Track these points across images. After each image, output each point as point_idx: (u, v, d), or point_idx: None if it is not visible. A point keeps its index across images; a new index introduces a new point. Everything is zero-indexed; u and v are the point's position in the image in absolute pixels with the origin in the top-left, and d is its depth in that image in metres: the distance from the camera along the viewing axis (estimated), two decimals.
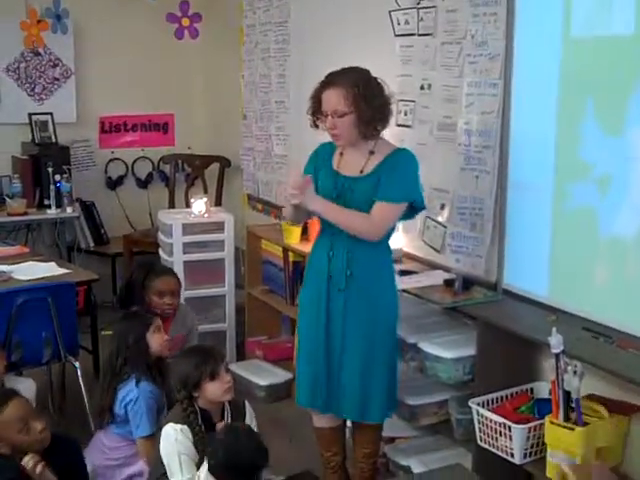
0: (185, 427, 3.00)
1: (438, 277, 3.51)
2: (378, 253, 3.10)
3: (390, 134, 4.02)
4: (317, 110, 3.06)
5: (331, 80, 3.00)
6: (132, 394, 3.30)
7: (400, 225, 3.98)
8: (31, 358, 3.66)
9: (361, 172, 3.04)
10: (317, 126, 3.11)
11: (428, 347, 3.22)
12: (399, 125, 3.97)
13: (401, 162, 3.04)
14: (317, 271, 3.13)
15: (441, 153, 3.66)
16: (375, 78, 3.03)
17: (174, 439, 2.98)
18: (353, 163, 3.08)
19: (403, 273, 3.60)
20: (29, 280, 3.80)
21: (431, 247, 3.75)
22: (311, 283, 3.18)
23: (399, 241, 3.99)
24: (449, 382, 3.20)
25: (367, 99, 2.95)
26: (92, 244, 5.69)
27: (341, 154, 3.12)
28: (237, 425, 2.99)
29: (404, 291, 3.41)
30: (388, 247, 3.16)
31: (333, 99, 2.97)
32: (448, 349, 3.18)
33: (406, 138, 3.90)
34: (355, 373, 3.07)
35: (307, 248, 4.29)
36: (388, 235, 3.11)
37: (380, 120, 3.03)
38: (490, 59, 3.33)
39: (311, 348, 3.15)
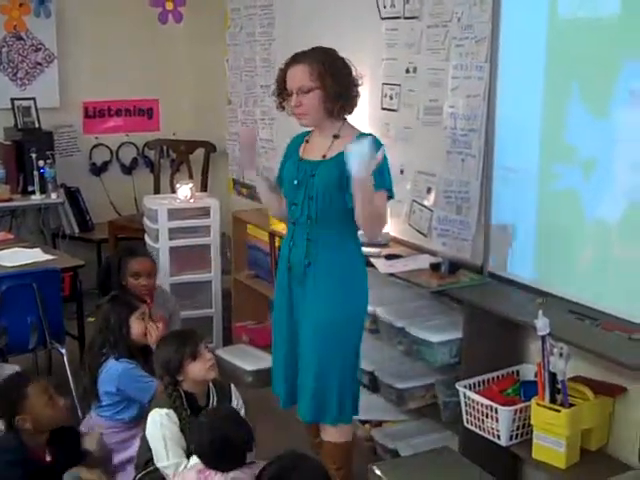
0: (171, 411, 2.99)
1: (425, 261, 3.51)
2: (341, 243, 2.97)
3: (375, 118, 4.03)
4: (282, 91, 3.00)
5: (296, 58, 2.94)
6: (114, 370, 3.29)
7: (388, 209, 4.00)
8: (17, 344, 3.65)
9: (324, 157, 2.96)
10: (283, 107, 3.05)
11: (415, 331, 3.23)
12: (384, 109, 3.97)
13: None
14: (281, 261, 3.11)
15: (427, 136, 3.66)
16: (342, 58, 2.97)
17: (159, 424, 2.98)
18: (317, 148, 3.01)
19: (389, 257, 3.61)
20: (14, 266, 3.78)
21: (417, 231, 3.75)
22: (278, 273, 3.15)
23: (387, 225, 3.99)
24: (436, 365, 3.21)
25: (333, 75, 2.88)
26: (77, 230, 5.64)
27: (307, 141, 3.07)
28: (221, 407, 3.01)
29: (391, 275, 3.41)
30: (354, 237, 3.02)
31: (298, 75, 2.90)
32: (435, 333, 3.19)
33: (391, 122, 3.90)
34: (309, 371, 2.98)
35: None
36: (354, 226, 2.95)
37: (347, 99, 2.94)
38: (476, 42, 3.32)
39: (276, 340, 3.16)
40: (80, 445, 3.10)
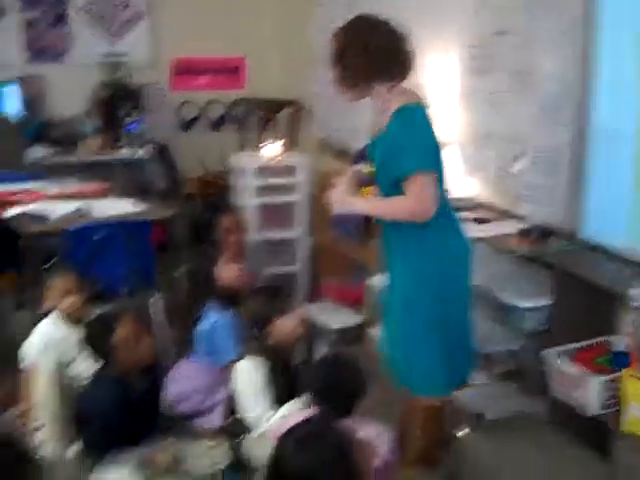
0: (259, 362, 3.06)
1: (513, 226, 3.46)
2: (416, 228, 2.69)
3: (462, 82, 3.97)
4: None
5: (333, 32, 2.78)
6: (214, 322, 3.40)
7: (476, 174, 3.95)
8: (109, 292, 3.73)
9: (376, 133, 2.79)
10: None
11: (504, 296, 3.20)
12: (472, 73, 3.89)
13: (399, 128, 2.65)
14: None
15: (517, 101, 3.58)
16: (377, 24, 2.73)
17: (248, 373, 3.05)
18: (377, 124, 2.83)
19: (477, 221, 3.56)
20: (107, 216, 3.86)
21: (506, 196, 3.69)
22: None
23: (473, 189, 3.95)
24: (524, 331, 3.18)
25: (355, 47, 2.68)
26: (165, 186, 5.74)
27: None
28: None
29: (479, 239, 3.37)
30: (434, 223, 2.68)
31: (330, 50, 2.76)
32: (524, 298, 3.15)
33: (480, 86, 3.83)
34: (394, 340, 2.86)
35: None
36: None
37: (377, 71, 2.69)
38: (569, 1, 3.21)
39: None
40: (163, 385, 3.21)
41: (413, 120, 2.65)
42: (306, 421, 2.26)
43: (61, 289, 3.33)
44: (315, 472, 1.98)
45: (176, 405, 3.34)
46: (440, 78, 4.14)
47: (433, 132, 2.67)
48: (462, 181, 4.02)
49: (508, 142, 3.63)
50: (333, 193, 2.84)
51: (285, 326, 3.09)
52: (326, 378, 2.71)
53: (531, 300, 3.15)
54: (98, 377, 3.04)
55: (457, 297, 2.80)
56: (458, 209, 3.58)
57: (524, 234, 3.34)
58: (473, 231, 3.41)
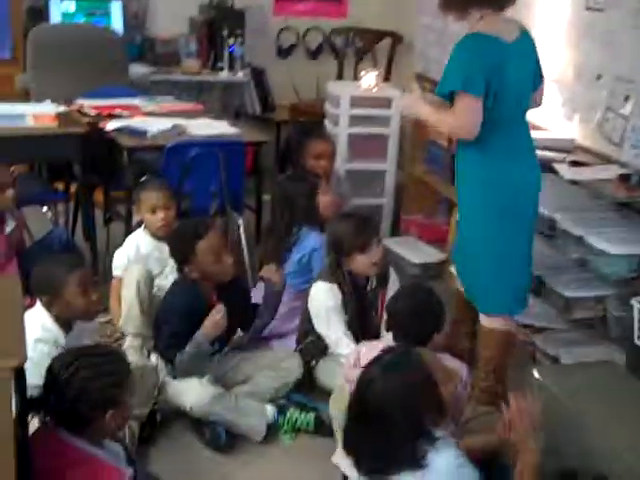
0: (334, 286, 3.11)
1: (613, 171, 3.36)
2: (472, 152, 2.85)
3: (577, 18, 3.83)
4: None
5: None
6: (313, 247, 3.47)
7: (576, 116, 3.84)
8: (198, 210, 3.82)
9: None
10: None
11: (594, 240, 3.12)
12: (589, 9, 3.76)
13: (456, 49, 2.78)
14: None
15: (632, 40, 3.44)
16: None
17: (323, 296, 3.11)
18: None
19: (574, 164, 3.48)
20: (202, 135, 3.92)
21: (609, 140, 3.58)
22: None
23: (572, 131, 3.85)
24: (611, 278, 3.11)
25: None
26: (258, 110, 5.78)
27: None
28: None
29: (573, 182, 3.30)
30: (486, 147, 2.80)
31: None
32: (614, 244, 3.08)
33: (595, 23, 3.69)
34: (465, 256, 3.05)
35: None
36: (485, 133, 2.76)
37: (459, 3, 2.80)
38: None
39: None
40: (249, 300, 3.32)
41: (471, 44, 2.74)
42: (391, 349, 2.30)
43: (152, 204, 3.41)
44: (402, 397, 2.03)
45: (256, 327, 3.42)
46: (552, 14, 4.02)
47: (492, 59, 2.70)
48: (562, 122, 3.92)
49: (619, 82, 3.50)
50: (406, 97, 3.17)
51: (360, 264, 3.12)
52: (405, 308, 2.74)
53: (622, 247, 3.07)
54: (175, 285, 3.15)
55: (518, 226, 2.90)
56: (556, 149, 3.53)
57: (623, 180, 3.24)
58: (569, 174, 3.34)
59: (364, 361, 2.64)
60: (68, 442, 2.10)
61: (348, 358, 2.85)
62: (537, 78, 2.91)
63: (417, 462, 2.01)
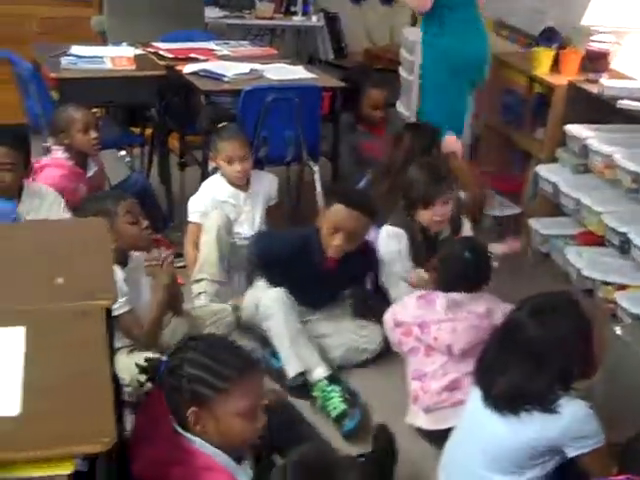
0: (402, 231, 3.12)
1: None
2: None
3: None
4: None
5: None
6: None
7: None
8: (274, 156, 3.80)
9: None
10: None
11: None
12: None
13: None
14: None
15: None
16: None
17: (394, 239, 3.12)
18: None
19: None
20: (280, 80, 3.87)
21: None
22: None
23: None
24: None
25: None
26: (331, 56, 5.71)
27: None
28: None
29: None
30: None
31: None
32: None
33: None
34: None
35: (556, 80, 4.10)
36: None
37: None
38: None
39: None
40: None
41: None
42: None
43: (229, 155, 3.41)
44: (563, 341, 2.03)
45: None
46: None
47: None
48: None
49: None
50: None
51: (423, 219, 3.11)
52: (455, 264, 2.73)
53: None
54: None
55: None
56: None
57: None
58: None
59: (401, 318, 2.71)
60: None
61: (386, 321, 2.83)
62: None
63: (549, 406, 2.01)
